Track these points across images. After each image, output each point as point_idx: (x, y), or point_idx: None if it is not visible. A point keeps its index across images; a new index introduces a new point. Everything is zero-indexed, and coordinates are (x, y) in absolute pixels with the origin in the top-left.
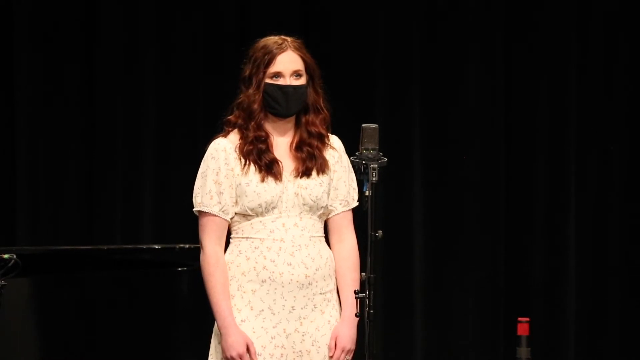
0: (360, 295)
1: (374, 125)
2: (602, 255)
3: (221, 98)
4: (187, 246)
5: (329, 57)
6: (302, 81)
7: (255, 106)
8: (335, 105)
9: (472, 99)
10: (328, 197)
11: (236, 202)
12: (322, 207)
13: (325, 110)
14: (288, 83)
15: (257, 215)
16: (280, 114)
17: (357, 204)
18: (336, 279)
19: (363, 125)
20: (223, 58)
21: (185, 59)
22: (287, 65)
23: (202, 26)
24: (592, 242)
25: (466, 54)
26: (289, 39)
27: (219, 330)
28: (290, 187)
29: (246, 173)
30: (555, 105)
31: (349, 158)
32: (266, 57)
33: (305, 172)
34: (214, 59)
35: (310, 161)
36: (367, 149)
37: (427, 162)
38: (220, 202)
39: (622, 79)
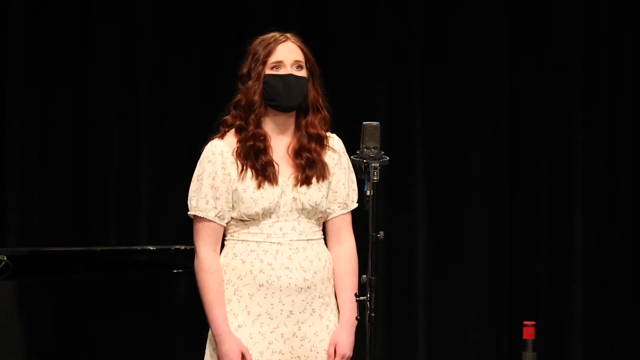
0: (361, 298)
1: (375, 123)
2: (609, 258)
3: (219, 99)
4: (182, 247)
5: (329, 53)
6: (303, 73)
7: (256, 98)
8: (336, 103)
9: (475, 97)
10: (326, 200)
11: (232, 207)
12: (321, 211)
13: (324, 109)
14: (289, 72)
15: (255, 220)
16: (281, 107)
17: (356, 205)
18: (334, 282)
19: (364, 122)
20: (222, 58)
21: (183, 59)
22: (288, 54)
23: (200, 26)
24: (599, 244)
25: (470, 51)
26: (288, 33)
27: (214, 338)
28: (289, 192)
29: (243, 178)
30: (560, 104)
31: (350, 157)
32: (266, 48)
33: (305, 181)
34: (212, 59)
35: (310, 169)
36: (368, 148)
37: (429, 161)
38: (216, 207)
39: (628, 77)
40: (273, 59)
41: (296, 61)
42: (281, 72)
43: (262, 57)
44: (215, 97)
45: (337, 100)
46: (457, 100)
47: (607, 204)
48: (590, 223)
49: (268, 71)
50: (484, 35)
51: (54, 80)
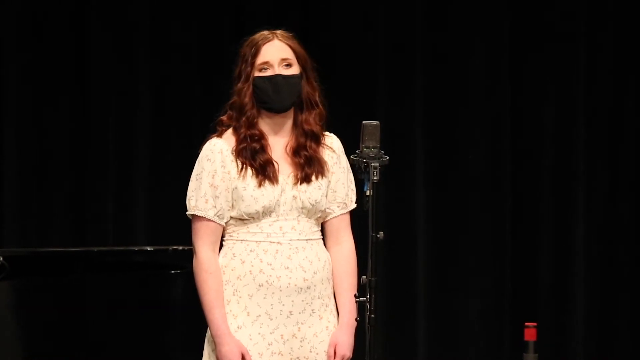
0: (361, 299)
1: (375, 122)
2: (612, 258)
3: (217, 98)
4: (180, 248)
5: (329, 51)
6: (293, 71)
7: (246, 100)
8: (336, 103)
9: (477, 96)
10: (326, 199)
11: (232, 206)
12: (321, 210)
13: (320, 105)
14: (277, 72)
15: (254, 219)
16: (273, 109)
17: (354, 206)
18: (333, 283)
19: (364, 122)
20: (221, 58)
21: (182, 59)
22: (274, 54)
23: (198, 27)
24: (601, 244)
25: (471, 48)
26: (277, 31)
27: (213, 339)
28: (289, 191)
29: (243, 177)
30: (563, 103)
31: (350, 156)
32: (253, 49)
33: (304, 179)
34: (211, 59)
35: (309, 167)
36: (368, 147)
37: (430, 160)
38: (215, 206)
39: (632, 75)
40: (260, 60)
41: (283, 59)
42: (269, 73)
43: (249, 58)
44: (215, 97)
45: (337, 100)
46: (457, 99)
47: (609, 204)
48: (592, 223)
49: (256, 73)
50: (484, 34)
51: (51, 79)
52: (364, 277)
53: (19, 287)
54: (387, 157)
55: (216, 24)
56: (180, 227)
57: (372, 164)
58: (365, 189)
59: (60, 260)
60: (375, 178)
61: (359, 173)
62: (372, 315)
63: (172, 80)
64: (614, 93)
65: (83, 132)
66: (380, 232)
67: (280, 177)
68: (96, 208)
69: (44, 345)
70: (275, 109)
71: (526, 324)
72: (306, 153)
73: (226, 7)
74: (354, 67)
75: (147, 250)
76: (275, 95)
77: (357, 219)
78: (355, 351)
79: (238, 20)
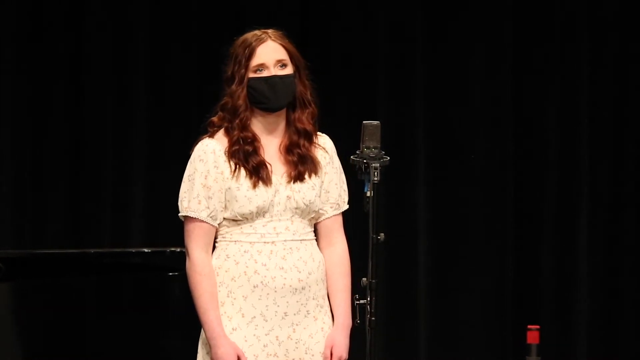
0: (361, 301)
1: (375, 122)
2: (615, 260)
3: (215, 99)
4: (178, 250)
5: (329, 51)
6: (288, 71)
7: (240, 102)
8: (336, 102)
9: (478, 96)
10: (319, 199)
11: (225, 206)
12: (314, 211)
13: (312, 104)
14: (273, 74)
15: (248, 220)
16: (270, 108)
17: (347, 207)
18: (327, 284)
19: (364, 122)
20: (219, 59)
21: (180, 59)
22: (270, 55)
23: (198, 27)
24: (604, 245)
25: (472, 48)
26: (269, 30)
27: (208, 342)
28: (283, 191)
29: (237, 177)
30: (566, 103)
31: (350, 157)
32: (246, 50)
33: (297, 177)
34: (209, 60)
35: (302, 165)
36: (368, 147)
37: (431, 160)
38: (208, 207)
39: (634, 75)
40: (255, 61)
41: (279, 60)
42: (264, 74)
43: (243, 60)
44: (212, 99)
45: (338, 101)
46: (458, 99)
47: (613, 205)
48: (596, 224)
49: (251, 74)
50: (485, 34)
51: (48, 79)
52: (364, 279)
53: (15, 289)
54: (388, 158)
55: (216, 24)
56: (178, 228)
57: (373, 165)
58: (365, 190)
59: (57, 262)
60: (375, 179)
61: (360, 174)
62: (373, 318)
63: (170, 81)
64: (617, 91)
65: (79, 132)
66: (380, 233)
67: (274, 178)
68: (93, 209)
69: (40, 347)
70: (272, 109)
71: (529, 326)
72: (299, 151)
73: (226, 8)
74: (354, 67)
75: (144, 252)
76: (272, 96)
77: (357, 220)
78: (357, 353)
79: (238, 21)
